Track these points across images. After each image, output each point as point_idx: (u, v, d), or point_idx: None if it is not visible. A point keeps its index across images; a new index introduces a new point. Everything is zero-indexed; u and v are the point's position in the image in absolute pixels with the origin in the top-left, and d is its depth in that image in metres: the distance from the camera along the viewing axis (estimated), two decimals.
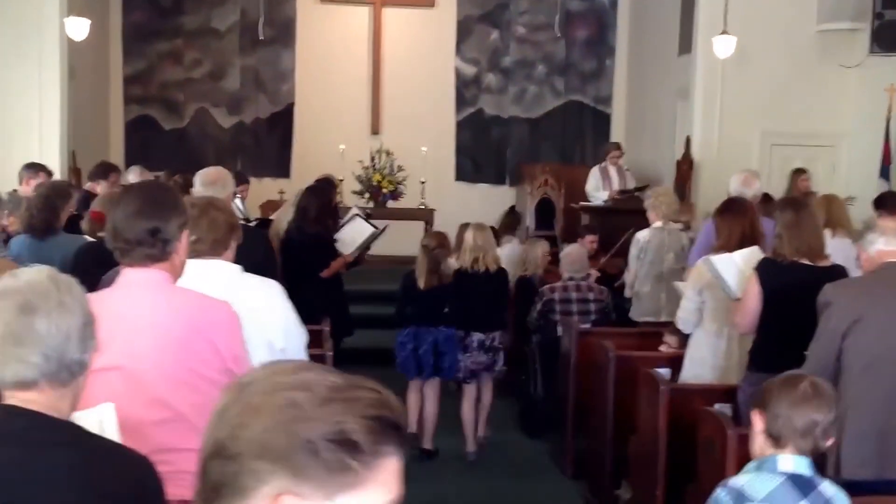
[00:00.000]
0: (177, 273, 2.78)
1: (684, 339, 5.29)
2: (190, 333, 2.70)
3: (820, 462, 3.74)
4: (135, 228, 2.67)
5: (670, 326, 5.65)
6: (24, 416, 1.94)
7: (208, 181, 4.89)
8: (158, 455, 2.21)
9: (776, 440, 2.83)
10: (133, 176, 7.32)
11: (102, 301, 2.19)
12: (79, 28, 9.78)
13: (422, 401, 6.55)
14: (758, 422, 2.87)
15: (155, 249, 2.69)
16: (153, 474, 2.07)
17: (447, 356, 6.41)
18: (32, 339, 1.92)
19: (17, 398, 1.96)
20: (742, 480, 2.82)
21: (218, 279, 3.20)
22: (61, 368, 1.96)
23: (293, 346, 3.42)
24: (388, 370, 6.72)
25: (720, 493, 2.81)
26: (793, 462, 2.81)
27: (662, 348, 5.63)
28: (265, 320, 3.27)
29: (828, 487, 2.83)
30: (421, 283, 6.35)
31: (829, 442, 2.91)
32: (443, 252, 6.46)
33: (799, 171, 8.62)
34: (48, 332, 1.93)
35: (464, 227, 7.70)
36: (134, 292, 2.70)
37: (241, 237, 3.42)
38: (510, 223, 9.39)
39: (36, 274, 2.00)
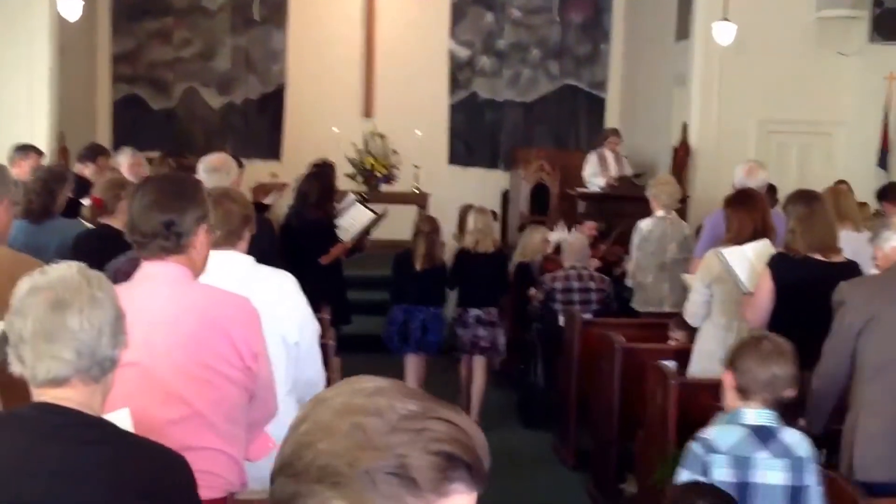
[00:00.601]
0: (197, 267, 2.72)
1: (692, 332, 5.22)
2: (204, 328, 2.64)
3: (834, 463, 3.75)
4: (150, 221, 2.62)
5: (675, 319, 5.60)
6: (59, 413, 1.94)
7: (212, 168, 4.80)
8: None
9: (744, 393, 3.17)
10: (124, 158, 7.16)
11: (122, 295, 2.14)
12: (72, 8, 9.56)
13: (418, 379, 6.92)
14: (728, 378, 3.21)
15: (169, 242, 2.63)
16: (186, 471, 2.07)
17: (430, 333, 6.85)
18: (65, 336, 1.91)
19: (48, 395, 1.95)
20: (712, 433, 3.14)
21: (232, 271, 3.15)
22: (93, 365, 1.96)
23: (307, 339, 3.36)
24: (385, 357, 6.69)
25: (694, 445, 3.13)
26: (756, 415, 3.13)
27: (671, 342, 5.57)
28: (279, 314, 3.21)
29: (788, 435, 3.13)
30: (418, 265, 6.77)
31: (790, 393, 3.20)
32: (436, 235, 6.92)
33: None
34: (81, 328, 1.92)
35: (467, 208, 7.70)
36: (151, 286, 2.65)
37: (255, 228, 3.35)
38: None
39: (66, 269, 1.99)
